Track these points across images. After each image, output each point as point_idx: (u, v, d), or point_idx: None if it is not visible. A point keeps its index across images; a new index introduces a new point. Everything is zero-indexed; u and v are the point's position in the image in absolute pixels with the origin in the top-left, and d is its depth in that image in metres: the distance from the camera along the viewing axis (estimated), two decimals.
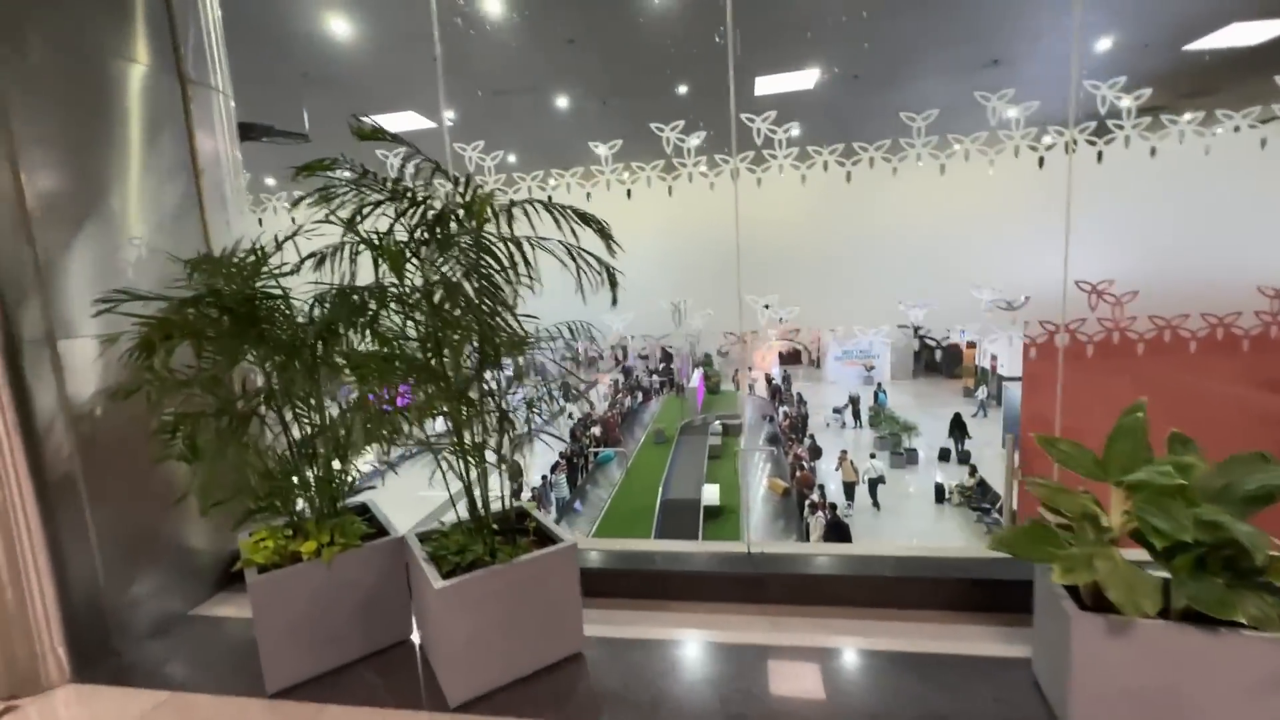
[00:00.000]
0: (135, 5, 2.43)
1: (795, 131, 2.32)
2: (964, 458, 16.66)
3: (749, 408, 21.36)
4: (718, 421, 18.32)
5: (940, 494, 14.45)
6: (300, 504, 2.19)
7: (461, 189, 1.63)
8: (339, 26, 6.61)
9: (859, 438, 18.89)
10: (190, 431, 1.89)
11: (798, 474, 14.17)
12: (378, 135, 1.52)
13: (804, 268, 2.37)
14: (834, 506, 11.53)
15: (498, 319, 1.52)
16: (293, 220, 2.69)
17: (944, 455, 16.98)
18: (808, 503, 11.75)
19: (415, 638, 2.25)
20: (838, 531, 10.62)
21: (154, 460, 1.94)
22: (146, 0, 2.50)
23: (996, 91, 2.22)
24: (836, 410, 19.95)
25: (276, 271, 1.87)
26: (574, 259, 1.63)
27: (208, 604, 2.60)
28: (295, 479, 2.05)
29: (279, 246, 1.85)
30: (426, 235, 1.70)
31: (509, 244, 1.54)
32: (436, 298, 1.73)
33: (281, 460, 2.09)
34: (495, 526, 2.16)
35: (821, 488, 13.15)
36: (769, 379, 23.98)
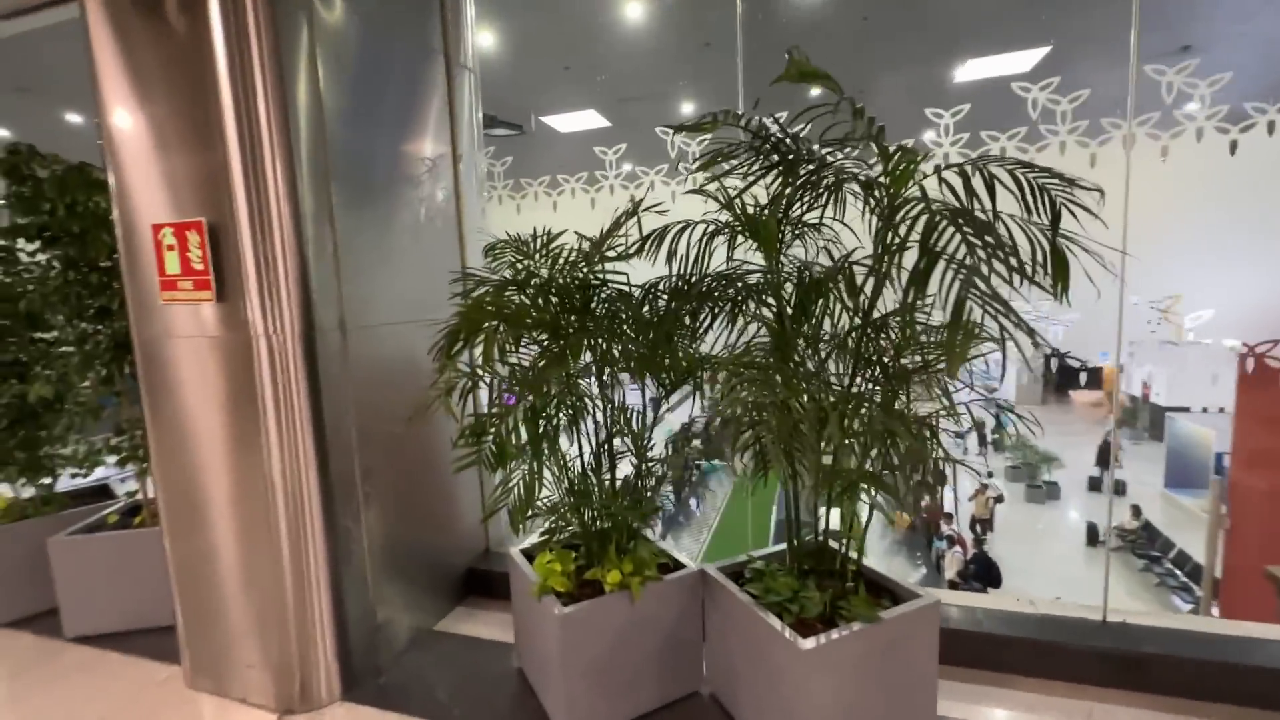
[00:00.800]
0: None
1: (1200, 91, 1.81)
2: (1118, 489, 14.80)
3: None
4: None
5: (1094, 535, 12.81)
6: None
7: (888, 151, 1.27)
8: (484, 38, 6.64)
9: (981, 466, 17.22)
10: (502, 436, 1.66)
11: (923, 503, 13.03)
12: (815, 76, 1.19)
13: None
14: (980, 541, 10.42)
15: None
16: (554, 206, 2.48)
17: (1093, 485, 15.22)
18: (947, 535, 10.71)
19: (703, 689, 1.91)
20: (985, 570, 9.55)
21: (456, 469, 1.73)
22: None
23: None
24: (958, 435, 18.38)
25: (610, 255, 1.60)
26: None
27: (449, 620, 2.41)
28: (603, 495, 1.77)
29: (620, 224, 1.59)
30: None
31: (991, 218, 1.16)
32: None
33: (573, 472, 1.82)
34: (807, 567, 1.80)
35: (951, 516, 11.98)
36: None
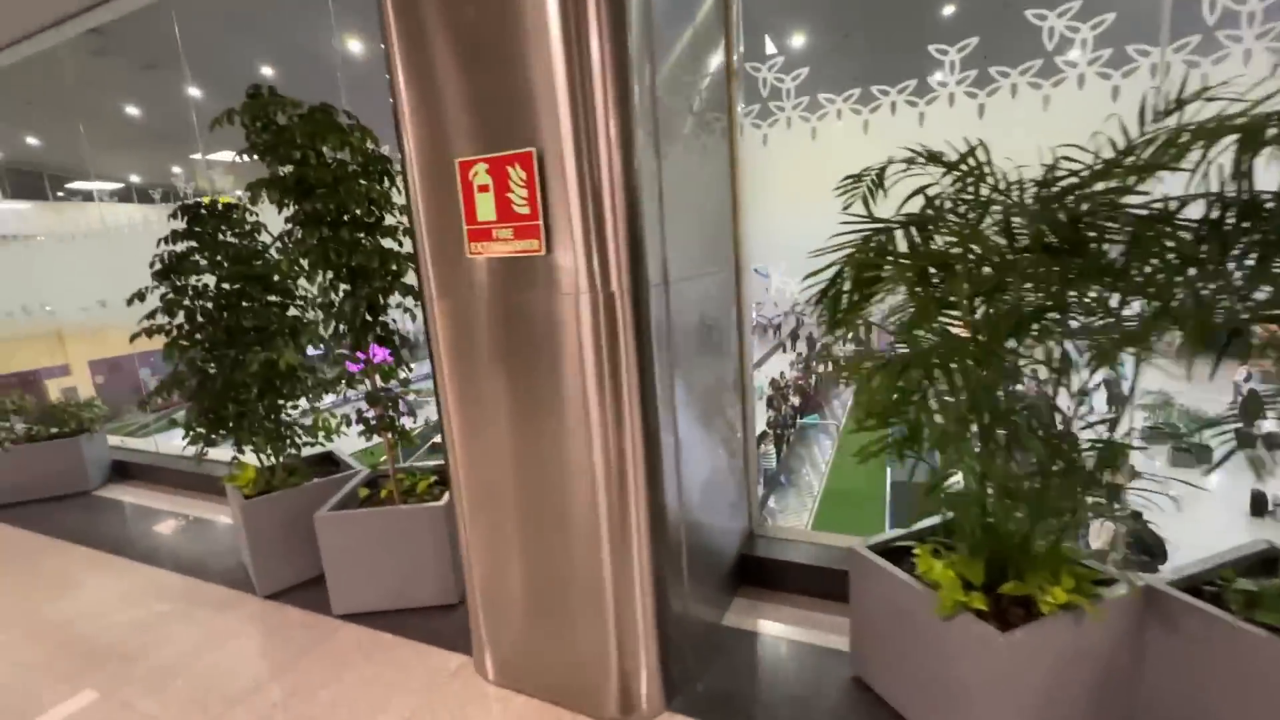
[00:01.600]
0: None
1: None
2: (1271, 442, 13.15)
3: None
4: None
5: (1260, 505, 11.44)
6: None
7: None
8: None
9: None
10: (923, 419, 1.28)
11: None
12: None
13: None
14: (1138, 514, 9.44)
15: None
16: (864, 127, 2.02)
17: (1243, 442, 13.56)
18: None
19: None
20: (1146, 548, 8.67)
21: (860, 459, 1.38)
22: None
23: None
24: (1082, 394, 16.85)
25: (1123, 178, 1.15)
26: None
27: (734, 614, 2.15)
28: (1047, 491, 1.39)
29: (1163, 116, 1.13)
30: None
31: None
32: None
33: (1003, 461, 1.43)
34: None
35: None
36: None
